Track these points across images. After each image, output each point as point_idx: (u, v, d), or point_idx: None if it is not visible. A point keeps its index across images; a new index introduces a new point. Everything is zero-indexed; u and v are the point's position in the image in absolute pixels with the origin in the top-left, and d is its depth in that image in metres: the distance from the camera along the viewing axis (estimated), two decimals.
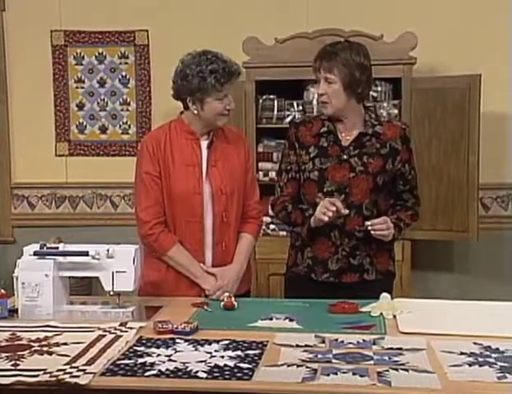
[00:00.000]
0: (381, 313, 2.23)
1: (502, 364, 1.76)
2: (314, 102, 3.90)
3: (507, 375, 1.68)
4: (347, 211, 2.43)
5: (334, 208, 2.39)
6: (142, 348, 1.90)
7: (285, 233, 3.82)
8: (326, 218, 2.40)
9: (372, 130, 2.53)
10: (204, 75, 2.42)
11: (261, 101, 4.01)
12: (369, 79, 2.53)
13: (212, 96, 2.46)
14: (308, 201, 2.56)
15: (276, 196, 2.66)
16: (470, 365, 1.75)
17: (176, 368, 1.74)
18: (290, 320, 2.18)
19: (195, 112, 2.50)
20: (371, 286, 2.52)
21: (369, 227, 2.43)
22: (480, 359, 1.79)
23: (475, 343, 1.92)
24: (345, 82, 2.45)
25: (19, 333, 2.05)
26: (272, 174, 3.94)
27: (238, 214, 2.61)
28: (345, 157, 2.52)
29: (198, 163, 2.54)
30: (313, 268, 2.56)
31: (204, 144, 2.56)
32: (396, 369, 1.72)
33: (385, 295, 2.36)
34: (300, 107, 3.99)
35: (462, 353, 1.84)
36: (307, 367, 1.74)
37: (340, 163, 2.51)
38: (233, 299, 2.34)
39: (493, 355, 1.82)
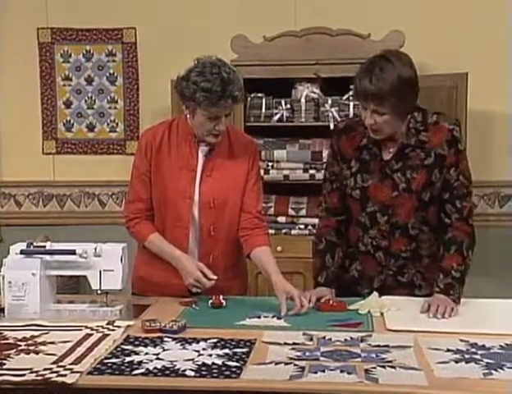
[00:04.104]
0: (369, 311, 2.23)
1: (488, 360, 1.77)
2: (302, 100, 3.90)
3: (493, 372, 1.70)
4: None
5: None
6: (129, 347, 1.90)
7: (273, 231, 3.80)
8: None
9: (415, 139, 2.33)
10: (196, 89, 2.29)
11: (249, 99, 4.00)
12: (417, 89, 2.30)
13: (202, 111, 2.33)
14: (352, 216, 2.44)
15: (321, 208, 2.52)
16: (457, 362, 1.76)
17: (163, 366, 1.74)
18: (278, 318, 2.18)
19: (188, 116, 2.41)
20: None
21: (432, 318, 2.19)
22: (466, 356, 1.80)
23: (461, 340, 1.94)
24: (396, 111, 2.24)
25: (5, 332, 2.04)
26: (261, 172, 3.92)
27: (232, 227, 2.47)
28: (387, 171, 2.35)
29: (193, 168, 2.44)
30: (357, 280, 2.47)
31: (204, 150, 2.45)
32: (383, 367, 1.73)
33: (373, 293, 2.37)
34: (288, 106, 3.98)
35: (448, 350, 1.85)
36: (295, 365, 1.74)
37: (381, 181, 2.35)
38: (221, 297, 2.33)
39: (479, 352, 1.84)
